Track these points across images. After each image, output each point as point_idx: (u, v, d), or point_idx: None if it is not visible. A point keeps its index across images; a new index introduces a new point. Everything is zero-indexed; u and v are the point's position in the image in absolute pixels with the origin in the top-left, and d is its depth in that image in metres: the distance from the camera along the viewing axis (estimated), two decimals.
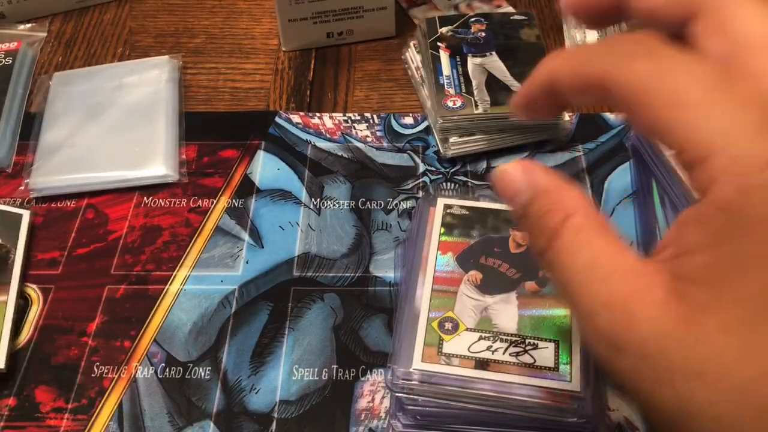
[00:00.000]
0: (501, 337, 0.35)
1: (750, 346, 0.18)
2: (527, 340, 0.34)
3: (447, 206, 0.41)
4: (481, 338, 0.35)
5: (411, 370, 0.33)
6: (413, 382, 0.33)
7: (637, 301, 0.20)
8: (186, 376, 0.38)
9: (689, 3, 0.23)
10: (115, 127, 0.49)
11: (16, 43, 0.55)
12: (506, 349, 0.34)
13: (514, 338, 0.34)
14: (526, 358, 0.34)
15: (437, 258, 0.38)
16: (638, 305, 0.20)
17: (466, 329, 0.35)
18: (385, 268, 0.42)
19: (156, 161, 0.47)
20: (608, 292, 0.21)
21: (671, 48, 0.21)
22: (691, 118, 0.19)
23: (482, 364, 0.34)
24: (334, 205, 0.45)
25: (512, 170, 0.24)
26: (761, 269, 0.18)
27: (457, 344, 0.34)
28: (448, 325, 0.35)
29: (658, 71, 0.21)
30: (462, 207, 0.41)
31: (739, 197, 0.18)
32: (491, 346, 0.34)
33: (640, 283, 0.20)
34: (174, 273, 0.42)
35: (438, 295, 0.36)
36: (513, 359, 0.34)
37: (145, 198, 0.46)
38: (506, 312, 0.36)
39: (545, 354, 0.34)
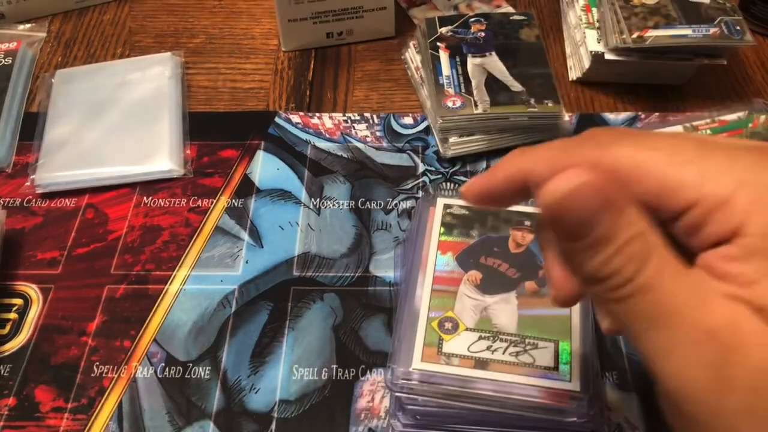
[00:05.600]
0: (501, 336, 0.35)
1: None
2: (527, 340, 0.34)
3: (447, 206, 0.41)
4: (480, 338, 0.34)
5: (411, 369, 0.33)
6: (413, 382, 0.33)
7: (743, 327, 0.19)
8: (186, 376, 0.38)
9: None
10: (120, 123, 0.49)
11: (15, 43, 0.55)
12: (506, 349, 0.34)
13: (513, 338, 0.34)
14: (525, 358, 0.34)
15: (437, 258, 0.38)
16: (746, 332, 0.19)
17: (466, 329, 0.35)
18: (385, 268, 0.42)
19: (161, 156, 0.47)
20: (713, 317, 0.20)
21: (641, 131, 0.22)
22: (698, 171, 0.21)
23: (482, 363, 0.34)
24: (333, 205, 0.45)
25: (584, 189, 0.20)
26: None
27: (457, 344, 0.34)
28: (448, 325, 0.35)
29: (647, 145, 0.22)
30: (462, 207, 0.41)
31: None
32: (491, 346, 0.34)
33: (737, 310, 0.20)
34: (174, 273, 0.42)
35: (438, 295, 0.36)
36: (513, 359, 0.34)
37: (145, 198, 0.46)
38: (506, 312, 0.36)
39: (545, 354, 0.34)
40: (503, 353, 0.34)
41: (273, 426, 0.36)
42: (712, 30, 0.47)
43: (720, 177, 0.20)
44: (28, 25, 0.58)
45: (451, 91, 0.48)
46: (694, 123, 0.46)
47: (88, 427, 0.36)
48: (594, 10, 0.53)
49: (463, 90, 0.48)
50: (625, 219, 0.20)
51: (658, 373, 0.21)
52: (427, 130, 0.50)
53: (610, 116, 0.50)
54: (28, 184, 0.46)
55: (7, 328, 0.40)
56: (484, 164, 0.47)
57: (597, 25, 0.52)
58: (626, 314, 0.21)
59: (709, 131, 0.45)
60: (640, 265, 0.20)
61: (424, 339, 0.34)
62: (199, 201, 0.46)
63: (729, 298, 0.20)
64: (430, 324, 0.35)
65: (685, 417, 0.21)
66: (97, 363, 0.38)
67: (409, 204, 0.45)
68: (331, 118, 0.51)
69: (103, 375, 0.38)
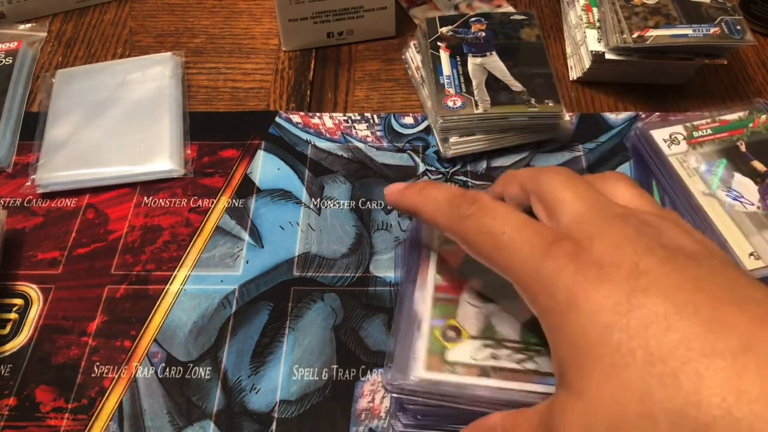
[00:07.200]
0: (504, 344, 0.34)
1: None
2: (531, 347, 0.34)
3: None
4: (484, 346, 0.34)
5: (414, 378, 0.33)
6: (415, 390, 0.33)
7: None
8: (186, 376, 0.38)
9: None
10: (120, 123, 0.49)
11: (16, 43, 0.55)
12: (510, 356, 0.33)
13: (517, 345, 0.34)
14: (530, 365, 0.33)
15: (439, 264, 0.38)
16: None
17: (469, 337, 0.34)
18: (385, 268, 0.42)
19: (162, 156, 0.47)
20: None
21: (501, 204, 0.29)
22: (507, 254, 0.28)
23: (486, 371, 0.33)
24: (334, 204, 0.45)
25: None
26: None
27: (460, 352, 0.34)
28: (451, 333, 0.34)
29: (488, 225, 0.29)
30: None
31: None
32: (495, 354, 0.33)
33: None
34: (174, 273, 0.42)
35: (440, 303, 0.36)
36: (517, 366, 0.33)
37: (145, 198, 0.46)
38: (509, 319, 0.35)
39: (549, 360, 0.34)
40: (507, 360, 0.33)
41: (273, 426, 0.36)
42: (713, 29, 0.47)
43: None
44: (28, 25, 0.58)
45: (451, 90, 0.48)
46: (695, 123, 0.46)
47: (88, 427, 0.36)
48: (594, 9, 0.53)
49: (463, 90, 0.48)
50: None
51: None
52: (428, 130, 0.50)
53: (610, 116, 0.50)
54: (28, 184, 0.46)
55: (8, 328, 0.40)
56: (484, 164, 0.47)
57: (597, 24, 0.52)
58: None
59: (709, 131, 0.45)
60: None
61: (426, 348, 0.34)
62: (200, 201, 0.46)
63: None
64: (432, 332, 0.34)
65: None
66: (98, 363, 0.38)
67: None
68: (331, 117, 0.51)
69: (104, 375, 0.38)
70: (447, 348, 0.34)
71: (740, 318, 0.21)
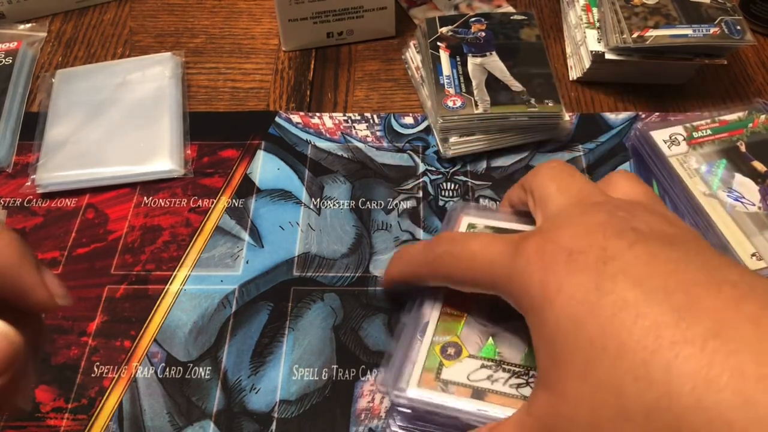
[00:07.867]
0: (504, 366, 0.33)
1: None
2: (531, 372, 0.32)
3: (471, 225, 0.38)
4: (482, 366, 0.33)
5: (404, 392, 0.32)
6: (406, 408, 0.32)
7: None
8: (186, 376, 0.38)
9: None
10: (120, 123, 0.49)
11: (16, 43, 0.55)
12: (507, 380, 0.32)
13: (517, 369, 0.33)
14: (526, 391, 0.32)
15: None
16: None
17: (469, 356, 0.33)
18: (385, 267, 0.42)
19: (162, 156, 0.47)
20: None
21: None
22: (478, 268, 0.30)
23: (479, 393, 0.32)
24: (334, 204, 0.45)
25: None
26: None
27: (457, 371, 0.33)
28: (451, 351, 0.33)
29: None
30: (487, 227, 0.38)
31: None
32: (492, 376, 0.32)
33: None
34: (174, 273, 0.42)
35: (447, 319, 0.35)
36: (513, 391, 0.32)
37: (145, 198, 0.46)
38: (514, 341, 0.34)
39: None
40: (503, 384, 0.32)
41: (273, 426, 0.36)
42: (713, 30, 0.47)
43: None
44: (28, 25, 0.58)
45: (451, 90, 0.48)
46: (695, 123, 0.46)
47: (88, 428, 0.36)
48: (594, 9, 0.53)
49: (463, 90, 0.48)
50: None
51: None
52: (428, 130, 0.50)
53: (610, 116, 0.50)
54: (28, 184, 0.46)
55: None
56: (484, 164, 0.47)
57: (597, 24, 0.52)
58: None
59: (709, 131, 0.45)
60: None
61: (423, 363, 0.33)
62: (200, 201, 0.46)
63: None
64: (433, 348, 0.34)
65: None
66: (98, 363, 0.38)
67: (409, 204, 0.45)
68: (331, 117, 0.51)
69: (104, 375, 0.38)
70: (444, 365, 0.33)
71: (714, 301, 0.21)
